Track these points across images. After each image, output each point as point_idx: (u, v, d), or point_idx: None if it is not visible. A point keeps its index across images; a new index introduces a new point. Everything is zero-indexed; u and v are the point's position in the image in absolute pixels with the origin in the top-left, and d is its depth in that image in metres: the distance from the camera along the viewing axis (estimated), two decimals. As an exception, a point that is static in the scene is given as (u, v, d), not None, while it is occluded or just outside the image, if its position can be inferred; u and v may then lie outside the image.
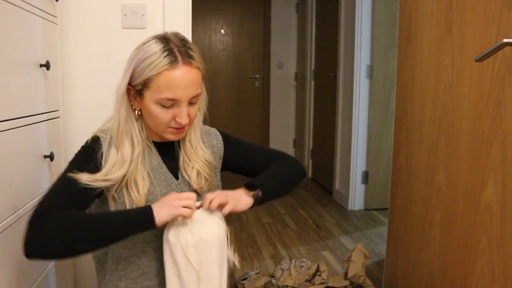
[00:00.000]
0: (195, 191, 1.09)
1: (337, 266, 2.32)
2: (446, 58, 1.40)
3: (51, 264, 1.43)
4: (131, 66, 1.00)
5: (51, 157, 1.40)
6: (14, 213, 1.15)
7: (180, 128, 1.02)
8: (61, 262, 1.54)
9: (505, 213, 1.12)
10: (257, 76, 4.99)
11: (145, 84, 0.98)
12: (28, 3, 1.23)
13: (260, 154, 1.24)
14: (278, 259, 2.40)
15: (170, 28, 1.68)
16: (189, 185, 1.10)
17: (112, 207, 1.02)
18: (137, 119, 1.04)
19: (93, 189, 0.97)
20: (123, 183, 1.01)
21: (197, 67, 1.00)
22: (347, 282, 2.03)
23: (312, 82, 4.31)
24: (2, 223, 1.08)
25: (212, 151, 1.17)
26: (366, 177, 3.29)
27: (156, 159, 1.08)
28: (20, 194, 1.20)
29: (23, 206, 1.21)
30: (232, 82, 4.96)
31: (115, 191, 1.01)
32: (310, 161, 4.42)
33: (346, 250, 2.51)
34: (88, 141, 1.04)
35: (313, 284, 2.03)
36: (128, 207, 1.00)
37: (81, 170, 0.98)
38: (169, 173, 1.09)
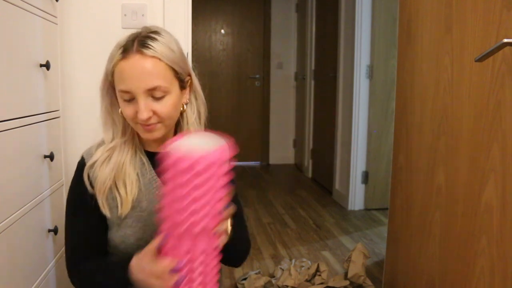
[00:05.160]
0: None
1: (337, 266, 2.32)
2: (446, 58, 1.40)
3: (51, 264, 1.43)
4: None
5: (51, 157, 1.40)
6: (14, 213, 1.15)
7: (148, 125, 0.93)
8: (61, 263, 1.54)
9: (505, 213, 1.12)
10: (257, 76, 4.99)
11: (110, 79, 0.94)
12: (28, 3, 1.23)
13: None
14: (278, 259, 2.40)
15: (170, 28, 1.68)
16: None
17: (105, 210, 0.96)
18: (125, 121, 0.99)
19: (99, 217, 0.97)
20: (112, 183, 0.96)
21: (154, 57, 0.90)
22: (347, 282, 2.03)
23: (312, 82, 4.31)
24: (2, 223, 1.08)
25: None
26: (366, 177, 3.29)
27: (149, 172, 1.00)
28: (20, 194, 1.20)
29: (23, 206, 1.21)
30: (232, 82, 4.96)
31: (105, 197, 0.96)
32: (310, 161, 4.42)
33: (346, 250, 2.51)
34: (77, 165, 1.00)
35: (313, 284, 2.03)
36: (118, 206, 0.95)
37: (80, 217, 0.98)
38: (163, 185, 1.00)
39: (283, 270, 2.13)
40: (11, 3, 1.12)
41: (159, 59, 0.90)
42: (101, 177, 0.95)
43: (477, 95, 1.24)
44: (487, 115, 1.19)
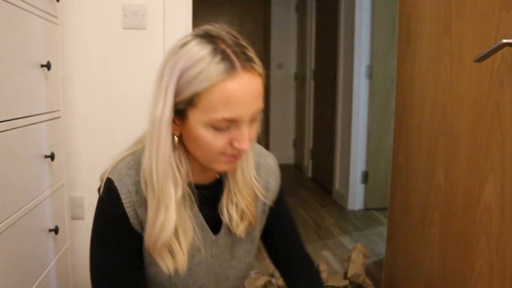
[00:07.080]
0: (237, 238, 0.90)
1: (336, 265, 2.33)
2: (445, 59, 1.40)
3: (51, 264, 1.44)
4: (172, 79, 0.72)
5: (52, 157, 1.41)
6: (14, 213, 1.15)
7: (236, 156, 0.77)
8: (61, 262, 1.54)
9: (504, 213, 1.12)
10: (257, 76, 4.99)
11: (191, 101, 0.72)
12: (29, 4, 1.23)
13: (296, 241, 1.01)
14: (278, 259, 2.41)
15: (170, 28, 1.68)
16: (230, 238, 0.89)
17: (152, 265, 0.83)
18: (173, 150, 0.77)
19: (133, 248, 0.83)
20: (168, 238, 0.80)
21: (260, 74, 0.75)
22: (346, 282, 2.03)
23: (312, 82, 4.32)
24: (3, 223, 1.08)
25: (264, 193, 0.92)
26: (365, 177, 3.30)
27: (195, 207, 0.84)
28: (21, 194, 1.21)
29: (24, 206, 1.21)
30: (232, 82, 4.96)
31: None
32: (310, 161, 4.42)
33: (346, 250, 2.51)
34: (101, 192, 0.81)
35: (313, 283, 2.04)
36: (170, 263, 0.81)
37: (111, 251, 0.83)
38: (205, 224, 0.86)
39: (283, 269, 2.13)
40: (12, 4, 1.12)
41: (260, 75, 0.75)
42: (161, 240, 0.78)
43: (476, 95, 1.24)
44: (486, 115, 1.19)
